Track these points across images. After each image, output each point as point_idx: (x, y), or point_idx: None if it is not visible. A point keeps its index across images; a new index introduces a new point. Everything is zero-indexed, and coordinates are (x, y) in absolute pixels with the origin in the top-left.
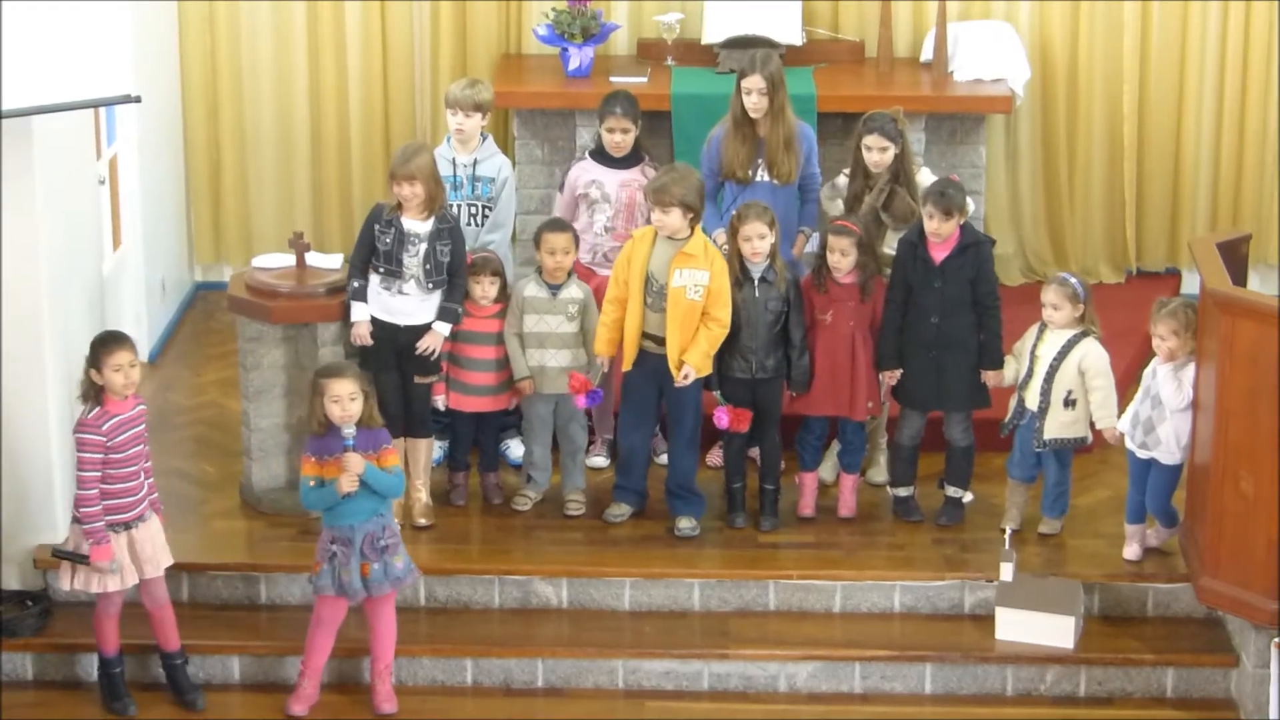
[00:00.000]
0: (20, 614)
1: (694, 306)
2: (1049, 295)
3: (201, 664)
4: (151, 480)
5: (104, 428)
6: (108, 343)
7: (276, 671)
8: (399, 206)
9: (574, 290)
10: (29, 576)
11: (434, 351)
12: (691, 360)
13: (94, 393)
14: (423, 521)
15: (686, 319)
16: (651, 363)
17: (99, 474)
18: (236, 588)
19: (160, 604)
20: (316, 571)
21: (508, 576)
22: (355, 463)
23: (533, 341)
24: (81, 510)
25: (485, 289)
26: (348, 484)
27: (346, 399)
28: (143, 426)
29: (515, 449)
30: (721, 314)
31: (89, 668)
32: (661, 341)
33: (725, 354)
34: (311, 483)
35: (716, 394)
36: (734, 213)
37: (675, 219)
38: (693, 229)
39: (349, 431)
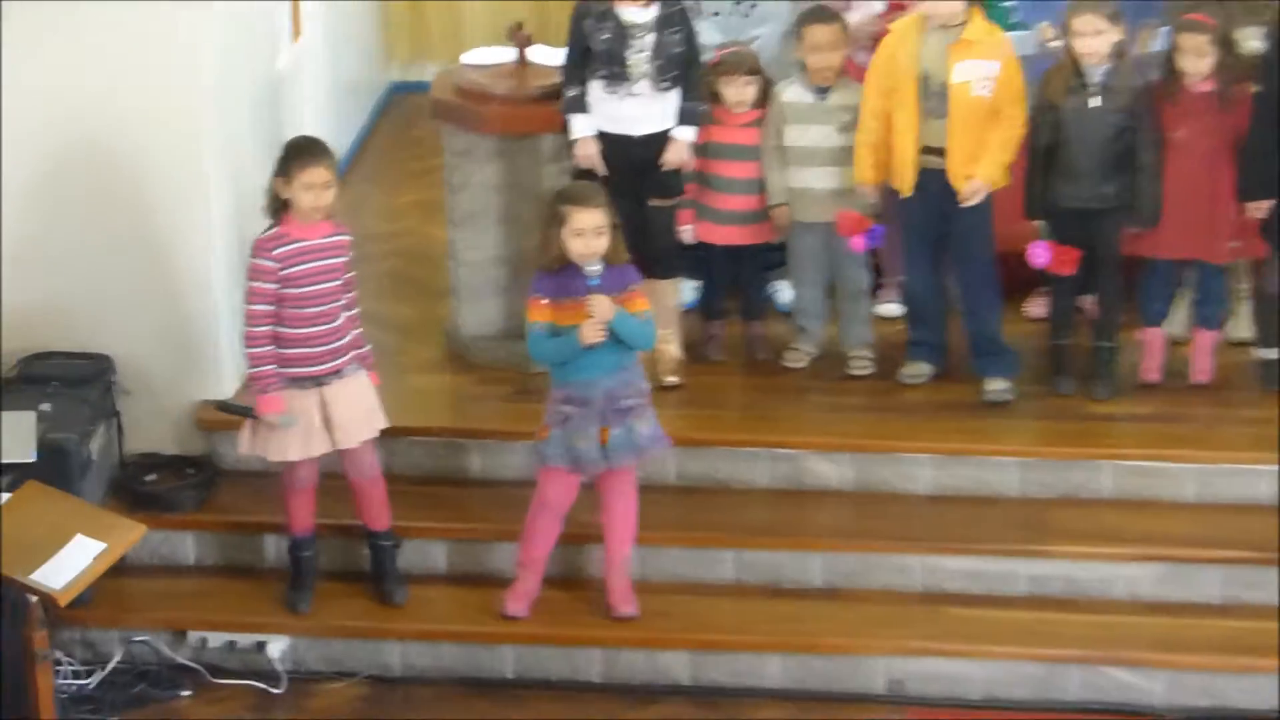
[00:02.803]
0: (179, 484)
1: (981, 104)
2: None
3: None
4: (359, 330)
5: (275, 253)
6: (302, 153)
7: (489, 560)
8: None
9: (847, 95)
10: (190, 439)
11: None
12: (984, 173)
13: (277, 207)
14: (671, 380)
15: (973, 121)
16: (933, 184)
17: (270, 308)
18: (441, 457)
19: (366, 476)
20: (544, 438)
21: (776, 450)
22: (604, 307)
23: (795, 158)
24: (248, 350)
25: (740, 91)
26: (593, 333)
27: (592, 233)
28: (338, 260)
29: (786, 293)
30: (1016, 111)
31: (260, 550)
32: (945, 154)
33: (1051, 177)
34: (545, 330)
35: (1039, 225)
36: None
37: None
38: (970, 11)
39: (594, 269)
